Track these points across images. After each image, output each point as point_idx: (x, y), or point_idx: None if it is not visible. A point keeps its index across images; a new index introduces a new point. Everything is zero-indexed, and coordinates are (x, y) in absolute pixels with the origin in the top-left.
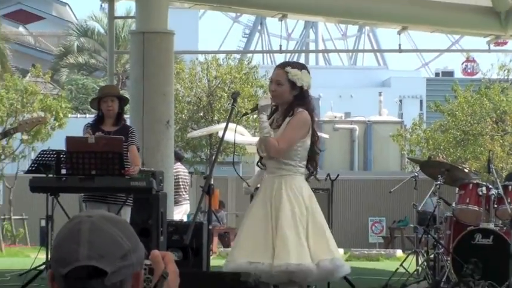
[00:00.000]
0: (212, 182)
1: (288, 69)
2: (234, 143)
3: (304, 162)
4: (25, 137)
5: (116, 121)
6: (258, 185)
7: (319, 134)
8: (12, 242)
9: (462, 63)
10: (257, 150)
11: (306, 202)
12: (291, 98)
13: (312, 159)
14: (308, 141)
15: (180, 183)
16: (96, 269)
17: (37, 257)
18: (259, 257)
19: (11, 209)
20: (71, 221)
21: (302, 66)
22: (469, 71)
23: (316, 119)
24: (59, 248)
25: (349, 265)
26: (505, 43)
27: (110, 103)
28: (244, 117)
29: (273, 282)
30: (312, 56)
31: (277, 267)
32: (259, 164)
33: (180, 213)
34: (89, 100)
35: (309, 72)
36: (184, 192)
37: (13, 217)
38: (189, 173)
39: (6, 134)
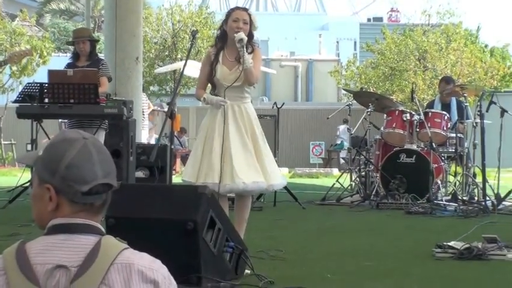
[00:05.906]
0: (175, 109)
1: (250, 12)
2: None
3: None
4: (14, 68)
5: (88, 57)
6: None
7: (268, 70)
8: (2, 164)
9: (387, 13)
10: (214, 80)
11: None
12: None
13: None
14: None
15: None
16: (108, 184)
17: (22, 176)
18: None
19: (1, 135)
20: (72, 142)
21: None
22: (393, 19)
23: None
24: (76, 168)
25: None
26: None
27: (81, 44)
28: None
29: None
30: (261, 3)
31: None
32: (212, 93)
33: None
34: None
35: None
36: (143, 119)
37: (3, 142)
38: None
39: None
